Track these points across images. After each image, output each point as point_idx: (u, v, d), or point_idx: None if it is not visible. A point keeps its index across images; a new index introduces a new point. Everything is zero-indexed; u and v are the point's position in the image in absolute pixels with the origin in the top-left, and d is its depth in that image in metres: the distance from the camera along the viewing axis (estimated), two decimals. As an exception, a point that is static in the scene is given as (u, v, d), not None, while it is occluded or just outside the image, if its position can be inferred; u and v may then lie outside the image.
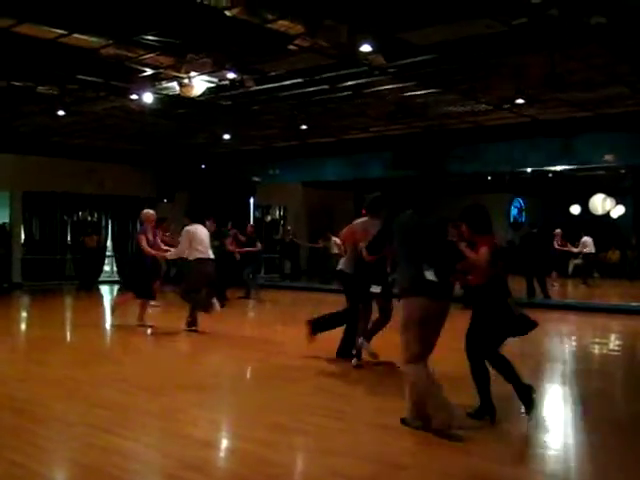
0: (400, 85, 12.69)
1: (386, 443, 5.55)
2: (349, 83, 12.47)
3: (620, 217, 25.78)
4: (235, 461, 5.31)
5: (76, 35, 9.87)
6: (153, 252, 11.45)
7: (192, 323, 11.25)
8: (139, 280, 11.72)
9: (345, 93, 13.30)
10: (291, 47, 10.19)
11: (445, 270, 5.78)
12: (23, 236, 20.68)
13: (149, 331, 11.49)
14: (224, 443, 5.94)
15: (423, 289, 5.67)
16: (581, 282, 21.95)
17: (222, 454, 5.61)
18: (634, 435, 6.01)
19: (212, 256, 11.31)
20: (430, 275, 5.66)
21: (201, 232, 11.29)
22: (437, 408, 5.60)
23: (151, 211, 12.01)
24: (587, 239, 21.99)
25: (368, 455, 5.22)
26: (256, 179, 23.32)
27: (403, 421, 5.87)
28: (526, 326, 6.19)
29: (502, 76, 11.99)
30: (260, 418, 6.29)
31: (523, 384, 6.08)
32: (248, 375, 8.72)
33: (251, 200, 24.32)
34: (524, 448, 5.68)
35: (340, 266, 8.91)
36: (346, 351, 8.84)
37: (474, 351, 6.12)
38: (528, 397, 6.04)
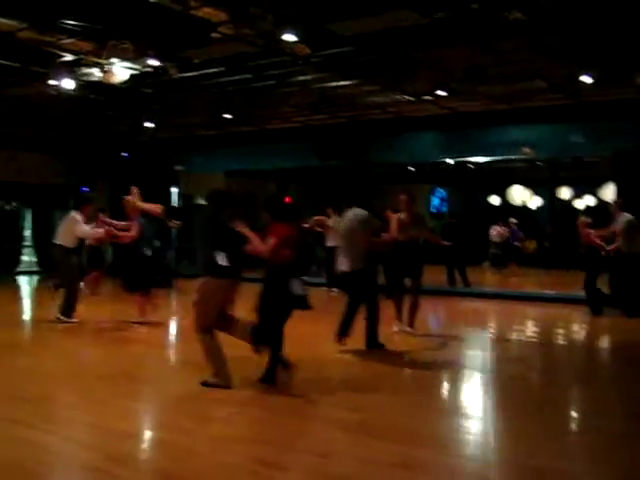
0: (323, 75, 12.73)
1: (312, 433, 5.60)
2: (273, 72, 12.46)
3: (538, 208, 26.48)
4: (157, 450, 5.27)
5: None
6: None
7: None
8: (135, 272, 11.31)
9: (269, 82, 13.28)
10: (215, 35, 10.12)
11: (234, 255, 6.75)
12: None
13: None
14: (147, 434, 5.90)
15: (217, 271, 6.66)
16: (496, 270, 22.45)
17: (146, 445, 5.56)
18: (548, 418, 6.20)
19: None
20: (221, 260, 6.65)
21: None
22: (220, 368, 6.73)
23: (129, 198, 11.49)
24: (501, 229, 22.65)
25: (291, 444, 5.26)
26: (179, 168, 23.06)
27: (205, 383, 6.74)
28: (301, 305, 6.99)
29: (423, 68, 12.14)
30: (183, 408, 6.27)
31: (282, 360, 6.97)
32: (176, 366, 8.64)
33: (174, 189, 24.00)
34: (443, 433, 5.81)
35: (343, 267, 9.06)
36: (374, 342, 9.03)
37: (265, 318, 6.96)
38: (272, 373, 6.92)
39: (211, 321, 6.75)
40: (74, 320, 10.90)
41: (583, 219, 13.20)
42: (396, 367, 8.41)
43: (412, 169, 23.90)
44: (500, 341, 11.00)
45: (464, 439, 5.59)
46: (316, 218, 15.58)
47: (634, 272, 12.40)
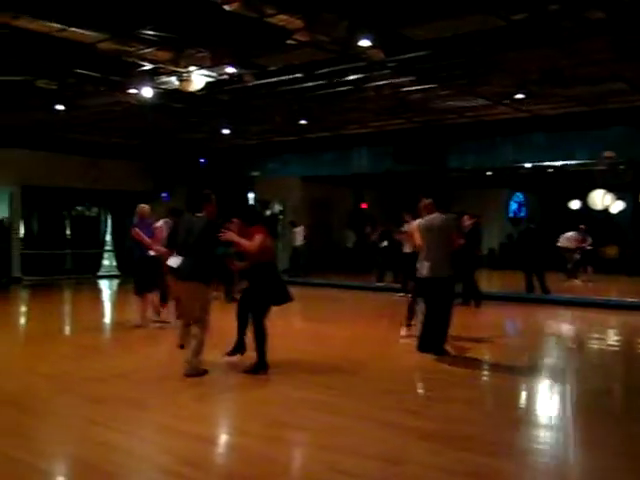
0: (399, 80, 12.66)
1: (385, 440, 5.54)
2: (348, 78, 12.46)
3: (619, 213, 25.77)
4: (233, 457, 5.30)
5: (74, 29, 9.85)
6: (152, 245, 11.37)
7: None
8: (140, 275, 11.61)
9: (344, 88, 13.28)
10: (290, 42, 10.16)
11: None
12: (22, 231, 20.65)
13: (157, 324, 11.40)
14: (221, 438, 5.94)
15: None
16: (573, 278, 21.80)
17: (220, 450, 5.59)
18: (629, 431, 6.00)
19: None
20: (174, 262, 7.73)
21: None
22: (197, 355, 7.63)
23: (146, 205, 11.91)
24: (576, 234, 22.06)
25: (367, 451, 5.22)
26: (255, 173, 23.30)
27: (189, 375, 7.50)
28: (283, 299, 8.02)
29: (501, 71, 11.97)
30: (254, 412, 6.30)
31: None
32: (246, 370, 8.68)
33: (250, 194, 24.26)
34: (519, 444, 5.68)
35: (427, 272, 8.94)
36: (429, 345, 8.94)
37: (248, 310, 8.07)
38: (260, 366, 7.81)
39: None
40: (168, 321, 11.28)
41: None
42: (470, 375, 8.27)
43: (489, 173, 23.56)
44: (579, 349, 10.73)
45: (541, 450, 5.45)
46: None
47: None
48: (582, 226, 22.05)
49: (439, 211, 9.16)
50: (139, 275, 11.42)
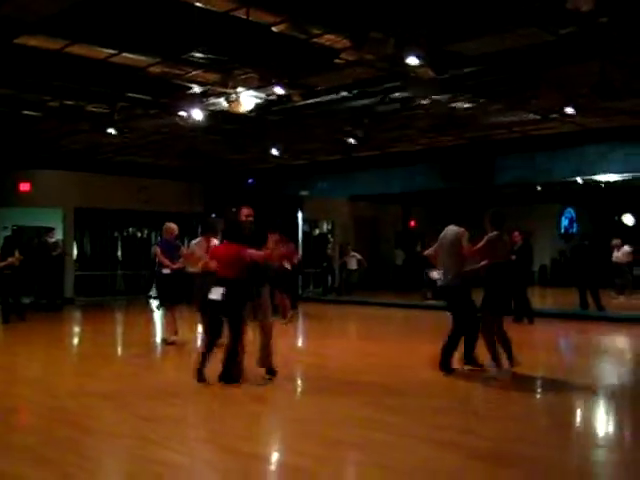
0: (447, 96, 12.62)
1: (439, 459, 5.47)
2: (396, 95, 12.44)
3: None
4: (289, 476, 5.28)
5: (125, 54, 10.05)
6: (167, 263, 11.54)
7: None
8: (166, 292, 11.86)
9: (392, 106, 13.27)
10: (337, 61, 10.21)
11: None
12: (75, 252, 20.99)
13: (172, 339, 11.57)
14: (274, 457, 5.94)
15: None
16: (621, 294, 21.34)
17: (275, 469, 5.58)
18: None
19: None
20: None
21: None
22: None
23: (172, 224, 12.08)
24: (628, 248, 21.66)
25: (421, 470, 5.16)
26: (304, 193, 23.38)
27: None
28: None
29: (550, 85, 11.86)
30: (305, 431, 6.29)
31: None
32: (298, 388, 8.68)
33: (299, 214, 24.33)
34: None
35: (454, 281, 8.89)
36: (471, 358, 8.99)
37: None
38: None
39: None
40: None
41: None
42: (523, 393, 8.15)
43: (539, 189, 23.28)
44: (637, 367, 10.50)
45: (599, 472, 5.35)
46: None
47: None
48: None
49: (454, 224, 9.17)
50: (160, 291, 12.06)
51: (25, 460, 5.37)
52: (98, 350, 11.54)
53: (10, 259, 14.74)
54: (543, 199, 25.79)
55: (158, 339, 13.11)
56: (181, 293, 11.93)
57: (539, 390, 8.55)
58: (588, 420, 7.25)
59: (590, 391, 8.21)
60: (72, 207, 20.69)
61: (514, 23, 8.85)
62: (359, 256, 23.27)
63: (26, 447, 5.80)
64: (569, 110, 13.21)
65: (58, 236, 20.10)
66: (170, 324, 11.79)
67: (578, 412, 7.52)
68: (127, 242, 22.20)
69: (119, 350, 12.43)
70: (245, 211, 8.89)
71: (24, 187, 20.37)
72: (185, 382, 8.46)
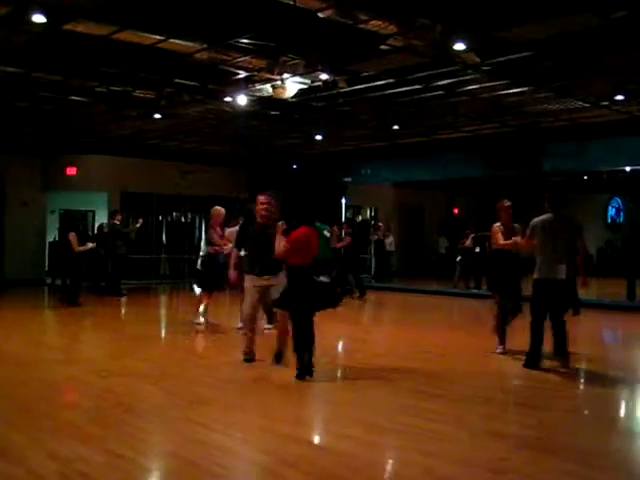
0: (494, 83, 12.48)
1: (485, 447, 5.46)
2: (442, 82, 12.35)
3: None
4: (333, 460, 5.30)
5: (172, 40, 10.11)
6: (225, 248, 11.58)
7: None
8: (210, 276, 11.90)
9: (437, 92, 13.19)
10: (383, 47, 10.16)
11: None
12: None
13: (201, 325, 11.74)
14: (322, 441, 5.97)
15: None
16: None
17: (320, 452, 5.60)
18: None
19: None
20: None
21: None
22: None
23: (220, 208, 12.12)
24: None
25: (467, 458, 5.16)
26: (347, 179, 23.35)
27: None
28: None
29: (600, 72, 11.65)
30: (350, 415, 6.32)
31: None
32: (345, 375, 8.68)
33: (342, 200, 24.31)
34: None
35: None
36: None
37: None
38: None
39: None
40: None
41: None
42: (570, 384, 8.09)
43: (586, 178, 22.97)
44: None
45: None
46: None
47: None
48: None
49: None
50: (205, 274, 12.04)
51: (72, 438, 5.49)
52: (147, 334, 11.69)
53: (90, 244, 15.61)
54: (590, 189, 25.43)
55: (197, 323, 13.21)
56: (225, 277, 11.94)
57: (585, 382, 8.45)
58: (634, 412, 7.17)
59: (636, 383, 8.11)
60: (118, 191, 20.94)
61: (563, 8, 8.71)
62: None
63: (73, 425, 5.94)
64: (619, 97, 13.00)
65: (103, 219, 20.35)
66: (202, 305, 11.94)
67: (623, 404, 7.44)
68: (171, 227, 22.41)
69: (167, 334, 12.52)
70: (261, 198, 8.63)
71: (70, 171, 20.70)
72: (229, 366, 8.55)
